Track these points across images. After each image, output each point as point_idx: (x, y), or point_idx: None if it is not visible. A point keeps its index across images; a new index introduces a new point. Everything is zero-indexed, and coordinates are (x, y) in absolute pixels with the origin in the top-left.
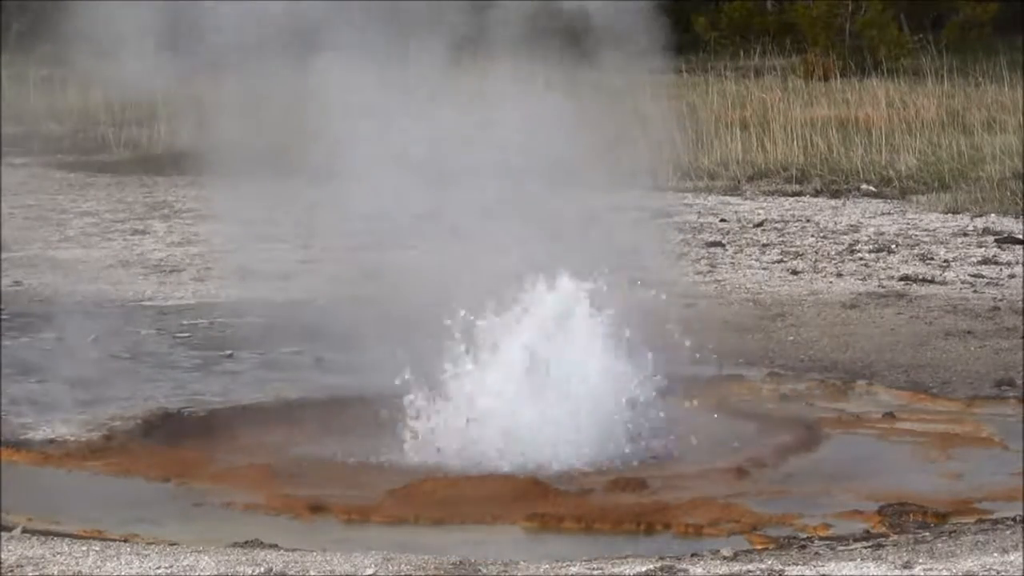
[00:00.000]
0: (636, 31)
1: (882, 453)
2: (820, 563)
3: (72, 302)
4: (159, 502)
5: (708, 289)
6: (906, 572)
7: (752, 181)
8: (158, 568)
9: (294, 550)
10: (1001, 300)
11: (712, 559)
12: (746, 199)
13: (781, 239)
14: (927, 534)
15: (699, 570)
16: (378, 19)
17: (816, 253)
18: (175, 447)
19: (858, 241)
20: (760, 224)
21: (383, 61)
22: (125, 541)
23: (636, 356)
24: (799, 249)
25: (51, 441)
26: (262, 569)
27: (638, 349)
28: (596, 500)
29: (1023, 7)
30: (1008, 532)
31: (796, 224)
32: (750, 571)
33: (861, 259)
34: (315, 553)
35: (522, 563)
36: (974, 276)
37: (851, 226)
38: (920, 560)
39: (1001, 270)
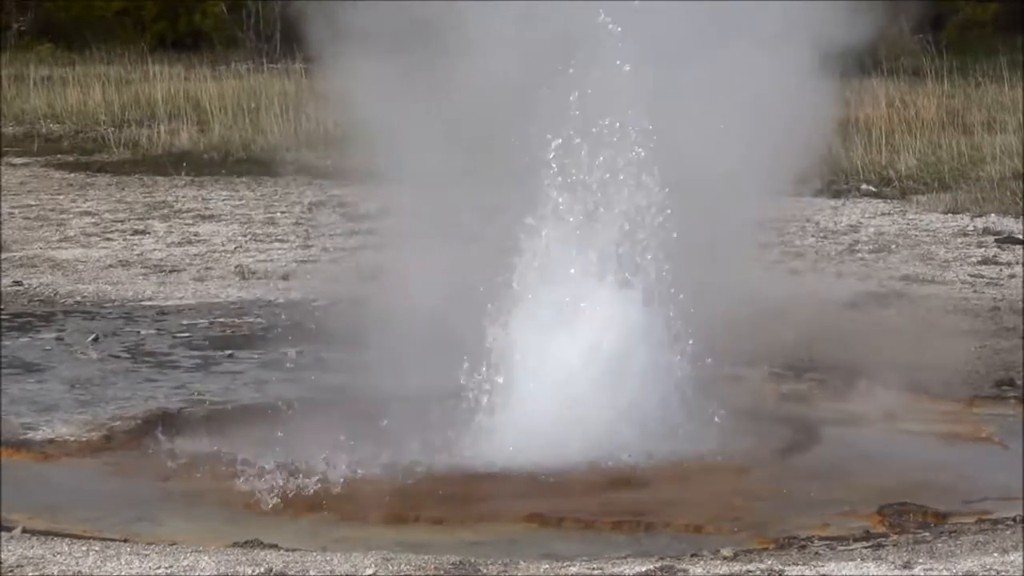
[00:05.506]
0: None
1: (881, 452)
2: (820, 563)
3: (72, 302)
4: (159, 502)
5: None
6: (906, 572)
7: None
8: (158, 568)
9: (294, 550)
10: (1001, 300)
11: (712, 559)
12: None
13: (781, 239)
14: (927, 534)
15: (699, 570)
16: None
17: (816, 253)
18: (175, 447)
19: (858, 241)
20: (760, 224)
21: None
22: (125, 541)
23: None
24: (799, 249)
25: (51, 441)
26: (262, 569)
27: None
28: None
29: (1023, 7)
30: (1008, 532)
31: (796, 224)
32: (750, 571)
33: (861, 259)
34: (315, 553)
35: (522, 563)
36: (974, 276)
37: (851, 226)
38: (920, 560)
39: (1001, 270)
